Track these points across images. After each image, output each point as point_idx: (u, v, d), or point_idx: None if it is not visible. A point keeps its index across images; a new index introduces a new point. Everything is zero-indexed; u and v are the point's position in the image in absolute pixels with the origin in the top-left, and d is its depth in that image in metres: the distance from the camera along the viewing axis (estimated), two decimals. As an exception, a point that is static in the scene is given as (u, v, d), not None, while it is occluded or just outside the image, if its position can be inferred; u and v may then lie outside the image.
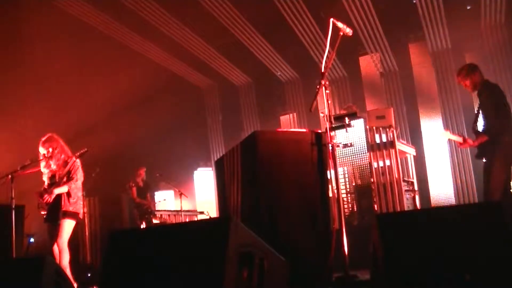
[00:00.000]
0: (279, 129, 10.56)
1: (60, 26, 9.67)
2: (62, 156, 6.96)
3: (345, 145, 7.78)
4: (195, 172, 13.79)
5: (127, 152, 11.08)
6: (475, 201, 10.09)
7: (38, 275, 4.10)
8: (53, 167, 6.93)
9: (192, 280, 3.11)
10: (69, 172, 6.82)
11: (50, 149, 6.91)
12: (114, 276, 3.58)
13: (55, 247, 6.66)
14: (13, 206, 6.92)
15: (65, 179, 6.79)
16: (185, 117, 12.92)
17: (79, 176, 6.92)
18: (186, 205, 11.12)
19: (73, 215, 6.75)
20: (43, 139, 7.01)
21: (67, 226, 6.70)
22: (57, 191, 6.69)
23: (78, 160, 6.91)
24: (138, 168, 11.56)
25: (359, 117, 7.15)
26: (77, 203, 6.84)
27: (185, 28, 10.90)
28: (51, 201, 6.69)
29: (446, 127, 10.74)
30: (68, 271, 6.66)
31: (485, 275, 2.99)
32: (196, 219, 10.65)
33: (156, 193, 12.31)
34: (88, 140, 8.02)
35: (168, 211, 11.09)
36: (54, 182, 6.83)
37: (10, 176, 6.95)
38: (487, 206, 3.87)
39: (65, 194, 6.72)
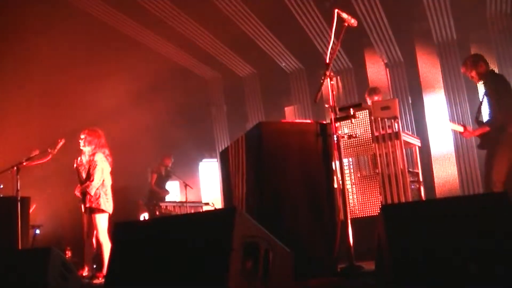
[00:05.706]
0: (284, 120, 10.55)
1: (65, 18, 9.64)
2: (93, 151, 7.15)
3: (350, 136, 7.75)
4: (200, 163, 13.80)
5: (132, 143, 11.08)
6: (480, 192, 10.07)
7: (44, 266, 4.13)
8: (85, 158, 7.18)
9: (197, 271, 3.12)
10: (89, 171, 7.03)
11: (82, 142, 7.19)
12: (120, 267, 3.59)
13: (94, 240, 7.04)
14: (19, 198, 6.98)
15: (90, 177, 7.05)
16: (190, 108, 12.90)
17: (98, 175, 7.01)
18: (191, 196, 11.14)
19: (99, 210, 6.94)
20: (86, 129, 7.25)
21: (100, 220, 7.02)
22: (83, 188, 7.00)
23: (98, 160, 7.03)
24: (164, 157, 11.58)
25: (363, 108, 7.10)
26: (99, 200, 7.03)
27: (189, 19, 10.86)
28: (80, 196, 7.07)
29: (452, 118, 10.71)
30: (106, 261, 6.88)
31: (491, 266, 2.99)
32: (201, 210, 10.66)
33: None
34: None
35: (173, 202, 11.13)
36: (87, 176, 7.10)
37: (15, 168, 7.01)
38: (493, 196, 3.86)
39: (89, 191, 6.91)
